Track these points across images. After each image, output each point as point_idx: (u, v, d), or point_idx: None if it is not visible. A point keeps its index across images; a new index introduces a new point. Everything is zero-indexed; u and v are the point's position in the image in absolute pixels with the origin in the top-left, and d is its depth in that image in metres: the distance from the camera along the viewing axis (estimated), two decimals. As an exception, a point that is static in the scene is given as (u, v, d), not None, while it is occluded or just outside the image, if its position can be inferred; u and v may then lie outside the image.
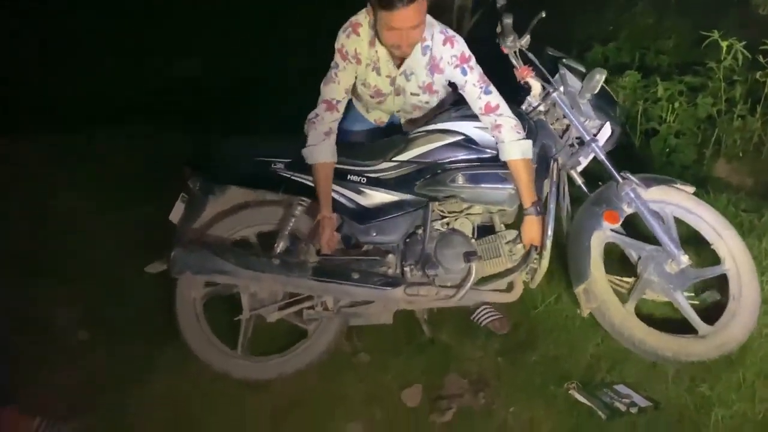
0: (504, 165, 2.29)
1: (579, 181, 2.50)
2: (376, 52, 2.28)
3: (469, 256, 2.27)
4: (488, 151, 2.32)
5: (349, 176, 2.38)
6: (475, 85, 2.26)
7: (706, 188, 3.24)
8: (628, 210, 2.44)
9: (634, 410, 2.18)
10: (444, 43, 2.25)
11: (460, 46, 2.26)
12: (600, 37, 4.12)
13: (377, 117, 2.63)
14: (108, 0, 5.17)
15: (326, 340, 2.42)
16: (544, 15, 2.39)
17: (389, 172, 2.38)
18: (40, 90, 4.55)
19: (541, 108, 2.43)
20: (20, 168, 3.61)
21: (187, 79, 4.69)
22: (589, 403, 2.23)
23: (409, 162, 2.36)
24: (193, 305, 2.44)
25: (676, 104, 3.50)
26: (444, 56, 2.26)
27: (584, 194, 2.52)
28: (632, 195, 2.39)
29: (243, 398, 2.36)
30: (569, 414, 2.22)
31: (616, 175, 2.41)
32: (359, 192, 2.37)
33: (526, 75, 2.40)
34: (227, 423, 2.26)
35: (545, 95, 2.41)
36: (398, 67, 2.32)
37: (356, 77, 2.35)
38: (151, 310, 2.61)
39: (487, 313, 2.65)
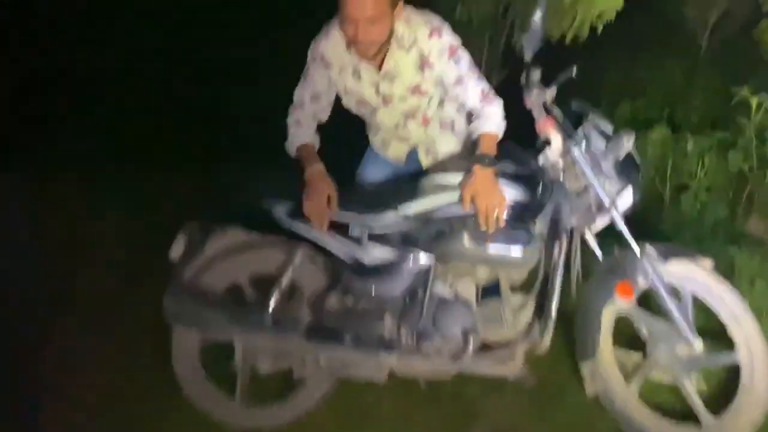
0: (515, 224, 2.14)
1: (592, 243, 2.24)
2: (355, 54, 2.19)
3: (468, 329, 2.20)
4: None
5: (351, 230, 2.31)
6: (468, 74, 2.21)
7: (739, 245, 3.17)
8: (644, 284, 2.22)
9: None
10: (431, 36, 2.15)
11: (448, 36, 2.17)
12: (629, 91, 4.13)
13: (395, 154, 2.50)
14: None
15: (324, 387, 2.41)
16: (575, 70, 2.18)
17: (393, 227, 2.26)
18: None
19: (560, 165, 2.17)
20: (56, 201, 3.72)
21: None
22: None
23: (414, 217, 2.22)
24: (190, 354, 2.38)
25: (706, 159, 3.47)
26: (433, 50, 2.16)
27: (596, 260, 2.29)
28: (650, 270, 2.16)
29: None
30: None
31: (635, 246, 2.18)
32: (360, 247, 2.26)
33: (548, 127, 2.16)
34: None
35: (566, 151, 2.16)
36: (379, 69, 2.22)
37: (333, 85, 2.30)
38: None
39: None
